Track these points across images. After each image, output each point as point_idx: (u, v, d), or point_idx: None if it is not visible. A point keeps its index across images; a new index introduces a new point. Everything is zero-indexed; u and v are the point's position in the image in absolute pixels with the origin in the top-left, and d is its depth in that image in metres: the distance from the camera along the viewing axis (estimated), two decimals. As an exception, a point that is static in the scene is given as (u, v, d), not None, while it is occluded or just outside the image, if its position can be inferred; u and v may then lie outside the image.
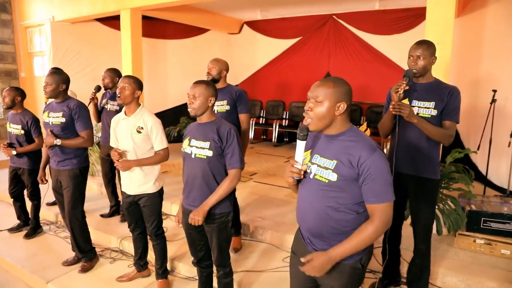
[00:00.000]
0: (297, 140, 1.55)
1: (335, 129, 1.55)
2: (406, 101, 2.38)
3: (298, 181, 1.65)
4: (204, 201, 2.21)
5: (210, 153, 2.17)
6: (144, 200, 2.74)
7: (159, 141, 2.69)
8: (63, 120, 2.98)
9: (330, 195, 1.53)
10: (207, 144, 2.18)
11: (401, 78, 2.30)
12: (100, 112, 3.97)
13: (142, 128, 2.65)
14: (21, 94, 3.71)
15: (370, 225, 1.49)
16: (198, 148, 2.21)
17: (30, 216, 3.95)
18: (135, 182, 2.72)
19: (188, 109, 2.20)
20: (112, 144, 2.82)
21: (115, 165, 2.65)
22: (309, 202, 1.60)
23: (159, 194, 2.81)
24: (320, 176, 1.55)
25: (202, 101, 2.18)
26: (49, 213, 4.31)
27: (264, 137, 8.12)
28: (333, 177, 1.50)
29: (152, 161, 2.70)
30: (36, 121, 3.68)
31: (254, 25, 7.91)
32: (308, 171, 1.61)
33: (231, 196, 2.34)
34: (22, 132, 3.63)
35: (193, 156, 2.22)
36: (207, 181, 2.21)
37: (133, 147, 2.67)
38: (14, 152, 3.62)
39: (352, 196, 1.52)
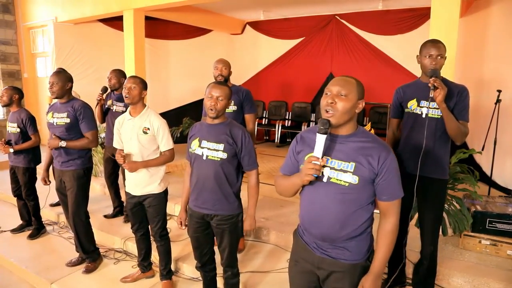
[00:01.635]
0: (317, 134, 1.47)
1: (347, 129, 1.54)
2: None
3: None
4: (214, 202, 2.22)
5: (224, 155, 2.15)
6: (150, 201, 2.74)
7: (165, 142, 2.69)
8: (68, 120, 2.98)
9: (349, 198, 1.52)
10: (221, 146, 2.15)
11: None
12: (104, 113, 3.96)
13: (148, 129, 2.65)
14: (19, 93, 3.78)
15: (388, 224, 1.55)
16: (210, 150, 2.17)
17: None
18: (141, 183, 2.71)
19: (209, 110, 2.14)
20: (115, 145, 2.82)
21: (123, 165, 2.64)
22: (325, 207, 1.55)
23: (164, 194, 2.80)
24: (337, 180, 1.51)
25: (226, 103, 2.16)
26: (51, 213, 4.31)
27: (267, 137, 8.11)
28: (354, 179, 1.49)
29: (158, 162, 2.71)
30: (31, 118, 3.71)
31: (257, 25, 7.91)
32: (320, 174, 1.55)
33: (240, 197, 2.33)
34: (18, 130, 3.67)
35: (204, 157, 2.18)
36: (219, 183, 2.19)
37: (139, 148, 2.67)
38: (11, 150, 3.64)
39: (368, 196, 1.54)
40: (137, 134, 2.65)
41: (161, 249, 2.88)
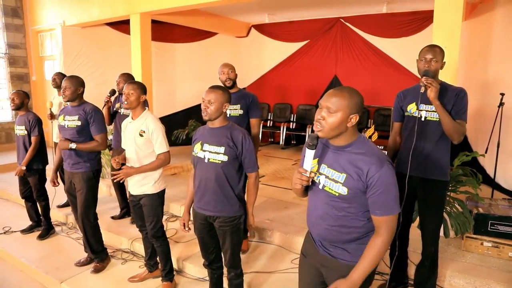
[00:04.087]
0: (306, 149, 1.54)
1: (343, 140, 1.55)
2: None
3: (306, 187, 1.66)
4: (216, 204, 2.26)
5: (225, 158, 2.20)
6: (144, 201, 2.80)
7: (159, 145, 2.73)
8: (79, 123, 3.06)
9: (340, 206, 1.55)
10: (222, 149, 2.20)
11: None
12: (112, 115, 4.03)
13: (144, 131, 2.71)
14: (28, 97, 3.91)
15: (378, 239, 1.51)
16: (212, 153, 2.23)
17: (41, 217, 4.04)
18: (135, 183, 2.79)
19: (202, 114, 2.23)
20: (123, 146, 2.89)
21: (113, 178, 2.70)
22: (319, 211, 1.62)
23: (159, 196, 2.83)
24: (329, 189, 1.56)
25: (218, 106, 2.20)
26: (59, 214, 4.40)
27: (272, 139, 8.16)
28: (343, 190, 1.51)
29: (152, 166, 2.73)
30: (38, 120, 3.80)
31: (262, 28, 7.97)
32: (317, 181, 1.61)
33: (243, 199, 2.38)
34: (26, 133, 3.77)
35: (206, 160, 2.25)
36: (220, 185, 2.24)
37: (135, 149, 2.74)
38: (24, 167, 3.74)
39: (362, 206, 1.54)
40: (134, 136, 2.72)
41: (158, 250, 2.91)
